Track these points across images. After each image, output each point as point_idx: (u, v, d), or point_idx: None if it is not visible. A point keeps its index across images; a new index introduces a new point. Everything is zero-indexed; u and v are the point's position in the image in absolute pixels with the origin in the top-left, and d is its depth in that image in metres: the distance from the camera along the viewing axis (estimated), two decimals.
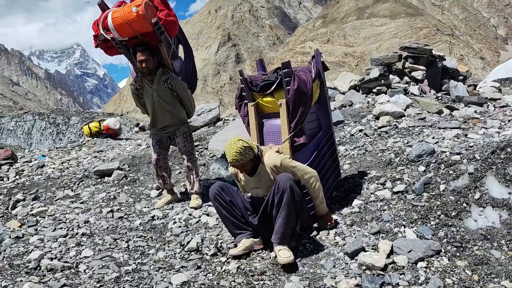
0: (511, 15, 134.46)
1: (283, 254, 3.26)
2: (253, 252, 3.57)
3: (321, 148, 4.11)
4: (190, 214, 4.59)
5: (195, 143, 6.92)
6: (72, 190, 5.86)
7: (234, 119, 8.31)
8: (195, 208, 4.70)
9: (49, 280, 3.23)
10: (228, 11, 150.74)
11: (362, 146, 5.30)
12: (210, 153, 6.40)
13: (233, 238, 3.79)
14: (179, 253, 3.73)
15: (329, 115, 4.26)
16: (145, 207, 5.06)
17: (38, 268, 3.46)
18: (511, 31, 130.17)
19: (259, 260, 3.45)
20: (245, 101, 4.04)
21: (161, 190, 5.60)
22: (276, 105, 3.79)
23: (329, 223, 3.74)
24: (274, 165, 3.47)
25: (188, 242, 3.85)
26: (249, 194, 3.64)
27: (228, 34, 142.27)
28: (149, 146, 7.95)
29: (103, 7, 4.51)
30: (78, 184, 6.13)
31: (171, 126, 4.85)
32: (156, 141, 4.93)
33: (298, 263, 3.33)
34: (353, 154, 5.16)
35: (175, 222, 4.43)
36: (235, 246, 3.63)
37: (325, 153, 4.18)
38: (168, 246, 3.89)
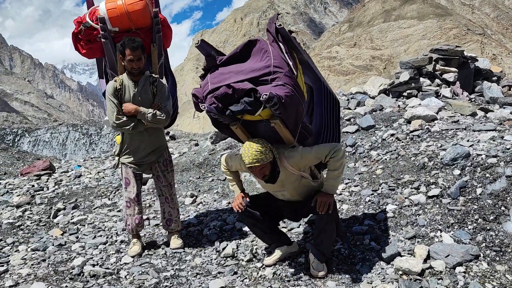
0: None
1: (317, 266, 3.29)
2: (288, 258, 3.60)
3: (324, 106, 3.72)
4: (224, 221, 4.66)
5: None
6: (109, 199, 6.05)
7: None
8: (178, 249, 4.07)
9: (92, 286, 3.37)
10: (254, 18, 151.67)
11: (395, 150, 5.26)
12: None
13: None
14: (215, 259, 3.80)
15: (314, 71, 3.57)
16: (180, 215, 5.16)
17: (81, 274, 3.61)
18: None
19: (294, 266, 3.48)
20: (224, 122, 3.21)
21: (195, 197, 5.71)
22: (266, 114, 3.01)
23: (321, 210, 3.17)
24: (296, 164, 3.15)
25: (223, 248, 3.92)
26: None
27: None
28: (181, 154, 8.10)
29: (90, 3, 4.26)
30: (115, 193, 6.32)
31: (153, 152, 4.04)
32: (134, 173, 4.03)
33: (334, 268, 3.35)
34: (386, 159, 5.13)
35: (210, 229, 4.51)
36: (270, 253, 3.68)
37: (328, 107, 3.76)
38: (204, 253, 3.97)
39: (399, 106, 7.11)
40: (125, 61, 3.75)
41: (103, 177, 7.56)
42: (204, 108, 3.03)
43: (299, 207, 3.42)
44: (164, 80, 4.39)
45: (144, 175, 4.40)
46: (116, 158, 4.11)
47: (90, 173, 8.12)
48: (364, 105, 7.65)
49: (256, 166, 3.02)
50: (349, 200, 4.52)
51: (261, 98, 2.79)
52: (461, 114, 6.16)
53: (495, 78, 8.47)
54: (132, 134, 3.93)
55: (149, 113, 3.77)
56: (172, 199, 4.17)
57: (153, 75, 3.97)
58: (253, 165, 3.01)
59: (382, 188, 4.47)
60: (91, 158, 12.12)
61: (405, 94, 7.61)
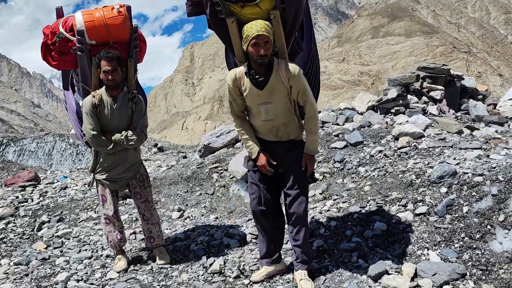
0: None
1: (305, 284, 3.27)
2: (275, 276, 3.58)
3: (312, 56, 3.78)
4: (212, 236, 4.63)
5: (215, 165, 7.00)
6: (95, 212, 5.97)
7: None
8: (164, 264, 4.00)
9: None
10: None
11: (383, 167, 5.30)
12: (230, 175, 6.47)
13: (255, 260, 3.82)
14: (202, 275, 3.76)
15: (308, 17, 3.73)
16: (167, 229, 5.12)
17: None
18: None
19: (282, 283, 3.46)
20: (220, 16, 3.23)
21: (182, 211, 5.67)
22: (260, 16, 3.13)
23: (309, 172, 3.38)
24: (292, 72, 3.12)
25: (211, 264, 3.88)
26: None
27: None
28: (169, 167, 8.06)
29: (60, 14, 4.07)
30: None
31: (129, 169, 3.94)
32: (110, 190, 3.93)
33: (322, 286, 3.34)
34: (374, 176, 5.16)
35: (197, 244, 4.47)
36: (257, 269, 3.65)
37: (314, 62, 3.83)
38: (191, 268, 3.93)
39: (387, 122, 7.18)
40: (101, 73, 3.67)
41: (89, 189, 7.47)
42: None
43: (285, 156, 3.34)
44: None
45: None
46: (91, 175, 4.01)
47: (76, 185, 8.03)
48: (353, 121, 7.71)
49: (264, 36, 2.94)
50: (337, 216, 4.52)
51: None
52: (448, 132, 6.24)
53: (480, 96, 8.62)
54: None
55: (121, 136, 3.75)
56: (151, 215, 4.07)
57: (132, 91, 3.91)
58: (262, 34, 2.93)
59: (370, 205, 4.48)
60: (78, 169, 11.98)
61: (393, 110, 7.69)
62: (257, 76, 3.11)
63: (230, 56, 3.66)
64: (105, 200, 3.93)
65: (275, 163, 3.32)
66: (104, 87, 3.78)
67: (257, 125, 3.30)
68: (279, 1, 3.10)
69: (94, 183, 4.02)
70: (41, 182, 8.67)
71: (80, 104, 4.05)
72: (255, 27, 2.93)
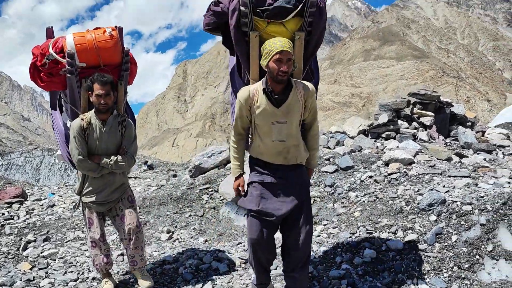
0: None
1: None
2: None
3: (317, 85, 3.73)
4: (201, 260, 4.58)
5: (205, 186, 6.98)
6: (82, 232, 5.88)
7: (244, 161, 8.38)
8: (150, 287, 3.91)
9: None
10: None
11: (373, 193, 5.32)
12: (220, 196, 6.44)
13: (244, 286, 3.78)
14: None
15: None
16: (155, 251, 5.06)
17: None
18: None
19: None
20: (244, 29, 3.19)
21: (171, 233, 5.62)
22: (283, 36, 3.09)
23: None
24: (310, 91, 3.12)
25: None
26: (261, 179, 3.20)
27: None
28: (159, 187, 8.01)
29: (50, 34, 3.99)
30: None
31: (116, 190, 3.84)
32: (97, 212, 3.85)
33: None
34: (364, 201, 5.18)
35: (185, 267, 4.42)
36: None
37: None
38: None
39: (377, 147, 7.24)
40: (92, 96, 3.59)
41: (74, 211, 7.37)
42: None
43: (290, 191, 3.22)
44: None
45: None
46: (78, 197, 3.90)
47: (64, 203, 7.92)
48: (343, 145, 7.76)
49: (287, 52, 2.89)
50: (327, 242, 4.51)
51: None
52: (437, 159, 6.30)
53: (469, 123, 8.74)
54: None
55: (110, 161, 3.68)
56: (137, 238, 3.83)
57: (121, 114, 3.86)
58: (286, 50, 2.88)
59: (360, 232, 4.48)
60: (66, 185, 11.84)
61: (383, 135, 7.76)
62: (276, 97, 3.04)
63: (236, 75, 3.63)
64: (91, 223, 3.84)
65: (243, 193, 3.30)
66: (93, 110, 3.72)
67: (267, 146, 3.16)
68: (306, 24, 3.12)
69: (80, 206, 3.94)
70: (28, 199, 8.54)
71: (68, 125, 3.98)
72: (278, 43, 2.89)
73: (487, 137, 8.03)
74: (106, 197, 3.79)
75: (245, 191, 3.31)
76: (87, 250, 5.15)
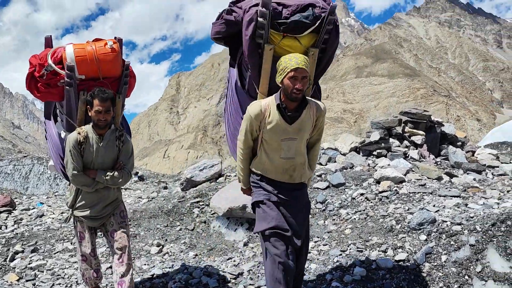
0: (506, 79, 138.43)
1: None
2: None
3: None
4: (190, 274, 4.56)
5: (196, 199, 6.96)
6: (71, 243, 5.83)
7: (236, 175, 8.39)
8: None
9: None
10: None
11: (364, 210, 5.35)
12: (211, 210, 6.43)
13: None
14: None
15: None
16: (145, 264, 5.03)
17: None
18: (506, 95, 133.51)
19: None
20: (258, 41, 3.07)
21: (161, 246, 5.57)
22: (297, 51, 3.05)
23: None
24: (322, 110, 3.12)
25: None
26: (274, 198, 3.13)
27: None
28: (149, 200, 7.97)
29: (49, 43, 3.95)
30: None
31: (110, 205, 3.74)
32: (89, 227, 3.75)
33: None
34: (355, 219, 5.20)
35: (175, 282, 4.39)
36: None
37: None
38: None
39: (369, 165, 7.29)
40: (92, 111, 3.48)
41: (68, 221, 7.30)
42: (257, 9, 2.93)
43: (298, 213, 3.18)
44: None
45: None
46: (67, 208, 3.84)
47: (53, 213, 7.84)
48: (335, 161, 7.81)
49: (303, 70, 2.84)
50: (318, 259, 4.52)
51: (330, 4, 2.97)
52: (428, 178, 6.36)
53: (459, 143, 8.85)
54: None
55: (106, 176, 3.58)
56: (127, 256, 3.63)
57: (119, 128, 3.76)
58: (302, 67, 2.83)
59: (350, 249, 4.50)
60: (55, 195, 11.73)
61: (375, 153, 7.83)
62: (289, 114, 3.00)
63: (238, 88, 3.55)
64: (83, 237, 3.75)
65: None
66: (91, 124, 3.62)
67: (274, 162, 3.10)
68: (321, 41, 3.09)
69: (72, 219, 3.82)
70: (16, 208, 8.44)
71: (62, 136, 3.93)
72: (294, 59, 2.84)
73: (477, 157, 8.13)
74: (99, 212, 3.67)
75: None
76: (75, 262, 5.10)
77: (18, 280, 4.56)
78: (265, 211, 3.12)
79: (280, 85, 2.96)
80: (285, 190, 3.16)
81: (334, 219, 5.45)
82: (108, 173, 3.60)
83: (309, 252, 4.72)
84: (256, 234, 3.27)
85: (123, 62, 3.81)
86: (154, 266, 4.95)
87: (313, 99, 3.14)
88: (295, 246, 3.11)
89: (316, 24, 2.99)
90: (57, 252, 5.52)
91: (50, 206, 8.81)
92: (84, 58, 3.57)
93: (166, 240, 5.85)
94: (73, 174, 3.54)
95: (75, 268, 4.90)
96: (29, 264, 5.05)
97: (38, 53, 3.85)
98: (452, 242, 3.98)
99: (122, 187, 3.95)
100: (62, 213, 7.75)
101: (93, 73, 3.65)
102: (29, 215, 7.63)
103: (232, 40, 3.42)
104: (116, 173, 3.63)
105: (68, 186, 4.39)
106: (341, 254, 4.47)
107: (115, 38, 3.80)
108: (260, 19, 2.93)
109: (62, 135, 3.97)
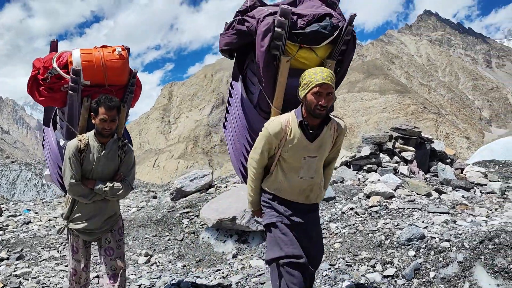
0: (494, 98, 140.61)
1: None
2: None
3: None
4: (178, 286, 4.52)
5: (186, 210, 6.93)
6: (58, 251, 5.76)
7: (226, 186, 8.38)
8: None
9: None
10: (224, 76, 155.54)
11: (353, 225, 5.36)
12: (201, 221, 6.40)
13: None
14: None
15: None
16: (132, 274, 4.97)
17: None
18: (495, 114, 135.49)
19: None
20: (274, 52, 2.85)
21: (149, 256, 5.53)
22: (312, 63, 2.90)
23: None
24: (343, 128, 2.96)
25: None
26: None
27: (222, 98, 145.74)
28: (139, 209, 7.91)
29: (54, 47, 3.87)
30: (65, 245, 6.02)
31: (109, 219, 3.47)
32: (83, 242, 3.49)
33: None
34: (344, 233, 5.21)
35: None
36: None
37: None
38: None
39: (359, 179, 7.33)
40: (96, 119, 3.27)
41: (54, 226, 7.22)
42: (275, 19, 2.73)
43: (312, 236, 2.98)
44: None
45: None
46: (64, 222, 3.50)
47: (40, 220, 7.74)
48: None
49: (328, 86, 2.65)
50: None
51: (350, 15, 2.77)
52: (417, 193, 6.41)
53: (449, 160, 8.94)
54: None
55: (106, 187, 3.32)
56: (121, 275, 3.43)
57: (122, 138, 3.54)
58: (327, 83, 2.64)
59: (339, 263, 4.50)
60: (42, 202, 11.60)
61: (365, 167, 7.88)
62: (311, 131, 2.81)
63: (245, 102, 3.30)
64: (76, 251, 3.48)
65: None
66: (93, 131, 3.39)
67: (291, 182, 2.89)
68: (337, 52, 2.92)
69: (66, 231, 3.56)
70: (2, 214, 8.33)
71: (61, 144, 3.78)
72: (320, 74, 2.64)
73: (465, 175, 8.21)
74: (96, 226, 3.39)
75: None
76: (61, 270, 5.04)
77: (2, 287, 4.49)
78: (278, 235, 2.87)
79: (302, 100, 2.76)
80: (300, 211, 2.93)
81: (323, 233, 5.45)
82: (107, 184, 3.34)
83: None
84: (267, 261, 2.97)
85: (130, 70, 3.69)
86: (141, 276, 4.90)
87: (334, 116, 2.98)
88: (310, 272, 2.94)
89: (335, 35, 2.84)
90: (43, 260, 5.44)
91: (37, 213, 8.71)
92: (90, 63, 3.45)
93: (154, 250, 5.81)
94: (70, 183, 3.29)
95: (61, 276, 4.83)
96: (14, 271, 4.97)
97: (34, 58, 3.71)
98: (440, 259, 4.00)
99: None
100: (49, 220, 7.67)
101: (99, 79, 3.52)
102: (16, 222, 7.54)
103: (238, 52, 3.28)
104: (116, 185, 3.36)
105: (63, 196, 4.13)
106: (330, 268, 4.46)
107: (123, 46, 3.65)
108: (277, 29, 2.75)
109: (61, 143, 3.81)
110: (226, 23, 3.26)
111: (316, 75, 2.64)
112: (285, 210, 2.90)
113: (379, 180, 6.96)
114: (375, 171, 7.74)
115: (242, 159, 3.33)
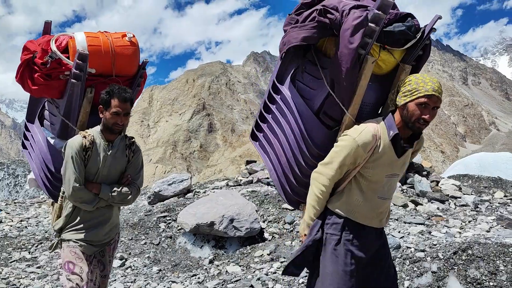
0: (469, 115, 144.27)
1: None
2: None
3: None
4: None
5: (163, 214, 6.85)
6: (29, 253, 5.62)
7: (205, 192, 8.33)
8: None
9: None
10: (206, 82, 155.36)
11: None
12: (178, 226, 6.33)
13: None
14: None
15: None
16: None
17: None
18: (469, 130, 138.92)
19: None
20: (360, 51, 2.37)
21: (124, 260, 5.44)
22: (388, 67, 2.55)
23: None
24: (421, 144, 2.60)
25: None
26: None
27: (203, 104, 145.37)
28: None
29: (48, 29, 3.41)
30: (37, 246, 5.89)
31: (114, 229, 3.03)
32: (82, 252, 2.84)
33: None
34: None
35: None
36: None
37: None
38: None
39: None
40: (107, 112, 2.78)
41: (25, 227, 7.05)
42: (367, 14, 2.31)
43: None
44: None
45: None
46: (56, 236, 2.94)
47: (12, 221, 7.55)
48: None
49: (438, 99, 2.29)
50: (283, 279, 4.50)
51: (436, 16, 2.43)
52: (394, 204, 6.50)
53: (425, 172, 9.09)
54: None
55: (113, 192, 2.86)
56: None
57: (128, 136, 3.07)
58: (438, 96, 2.28)
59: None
60: (15, 202, 11.31)
61: None
62: (405, 145, 2.41)
63: (300, 111, 2.72)
64: (72, 268, 2.80)
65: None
66: (99, 127, 2.90)
67: (369, 203, 2.45)
68: (413, 57, 2.55)
69: (59, 246, 2.96)
70: None
71: (52, 142, 3.36)
72: (430, 84, 2.28)
73: (440, 187, 8.36)
74: (100, 236, 2.92)
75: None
76: (32, 272, 4.92)
77: None
78: (341, 270, 2.40)
79: (400, 109, 2.37)
80: (371, 238, 2.50)
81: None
82: (115, 189, 2.88)
83: (275, 273, 4.71)
84: None
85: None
86: (115, 280, 4.81)
87: None
88: None
89: (417, 38, 2.48)
90: (14, 261, 5.30)
91: (8, 213, 8.49)
92: (98, 49, 3.05)
93: (129, 253, 5.72)
94: (73, 187, 2.75)
95: (31, 278, 4.71)
96: None
97: (13, 55, 3.65)
98: (415, 268, 4.05)
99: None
100: (21, 221, 7.49)
101: (106, 67, 3.14)
102: None
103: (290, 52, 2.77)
104: (124, 189, 2.91)
105: (51, 204, 3.58)
106: (306, 276, 4.46)
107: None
108: (371, 25, 2.32)
109: (52, 142, 3.38)
110: (289, 15, 2.77)
111: (426, 84, 2.28)
112: (358, 243, 2.43)
113: None
114: None
115: (290, 175, 2.82)
